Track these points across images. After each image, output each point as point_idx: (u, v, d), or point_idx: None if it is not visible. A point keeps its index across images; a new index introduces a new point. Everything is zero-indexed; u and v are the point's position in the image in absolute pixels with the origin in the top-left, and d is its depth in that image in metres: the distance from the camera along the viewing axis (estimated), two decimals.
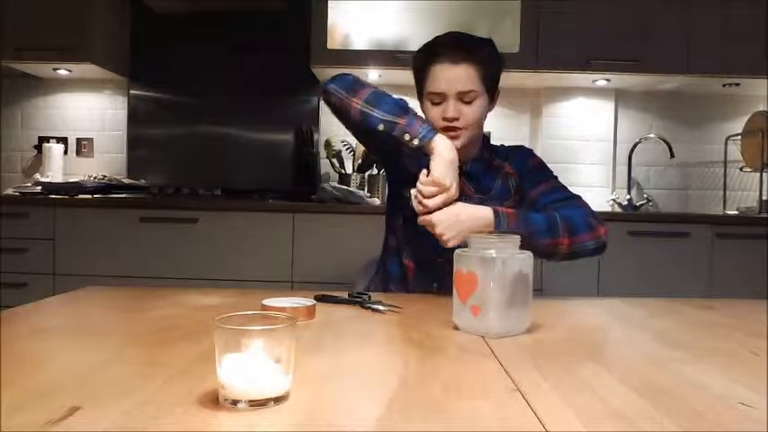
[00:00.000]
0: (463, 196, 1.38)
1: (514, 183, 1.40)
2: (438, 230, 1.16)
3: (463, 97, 1.30)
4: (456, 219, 1.16)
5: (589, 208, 1.33)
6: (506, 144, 1.52)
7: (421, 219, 1.18)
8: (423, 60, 1.35)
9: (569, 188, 1.42)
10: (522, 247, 0.95)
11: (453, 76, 1.29)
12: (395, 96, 1.29)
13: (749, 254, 2.55)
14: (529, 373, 0.71)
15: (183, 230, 2.58)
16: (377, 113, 1.24)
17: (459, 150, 1.38)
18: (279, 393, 0.59)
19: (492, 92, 1.37)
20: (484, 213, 1.20)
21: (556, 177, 1.42)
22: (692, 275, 2.56)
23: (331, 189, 2.71)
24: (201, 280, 2.54)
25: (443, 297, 1.11)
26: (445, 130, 1.32)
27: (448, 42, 1.33)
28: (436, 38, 1.36)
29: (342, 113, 1.30)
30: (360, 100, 1.26)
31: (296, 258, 2.56)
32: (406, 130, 1.21)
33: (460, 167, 1.40)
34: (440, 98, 1.31)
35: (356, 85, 1.29)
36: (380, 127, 1.23)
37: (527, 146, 1.52)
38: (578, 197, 1.36)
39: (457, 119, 1.31)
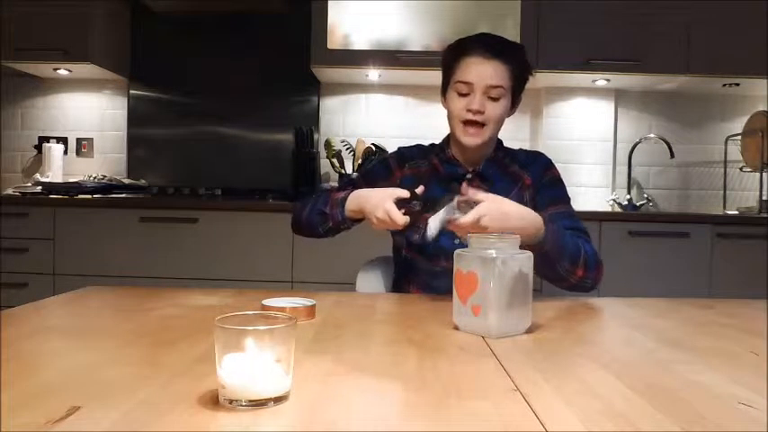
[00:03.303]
0: None
1: (529, 196, 1.39)
2: (483, 222, 1.07)
3: (490, 92, 1.32)
4: (503, 214, 1.09)
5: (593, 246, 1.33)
6: (525, 149, 1.50)
7: (463, 220, 1.09)
8: (455, 53, 1.36)
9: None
10: (541, 265, 0.94)
11: (485, 70, 1.31)
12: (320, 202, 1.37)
13: (749, 254, 2.55)
14: (529, 373, 0.71)
15: (183, 230, 2.58)
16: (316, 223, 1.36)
17: (475, 149, 1.38)
18: (279, 393, 0.59)
19: (515, 97, 1.38)
20: (534, 218, 1.15)
21: (569, 200, 1.42)
22: (692, 275, 2.56)
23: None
24: (201, 280, 2.54)
25: (443, 297, 1.11)
26: (468, 123, 1.33)
27: (484, 39, 1.35)
28: (471, 35, 1.38)
29: (304, 228, 1.43)
30: (305, 214, 1.40)
31: (296, 258, 2.56)
32: (330, 213, 1.31)
33: (474, 169, 1.41)
34: (467, 89, 1.32)
35: (303, 208, 1.43)
36: (321, 229, 1.36)
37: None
38: (586, 231, 1.35)
39: (481, 112, 1.32)
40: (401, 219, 1.14)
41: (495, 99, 1.32)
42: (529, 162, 1.44)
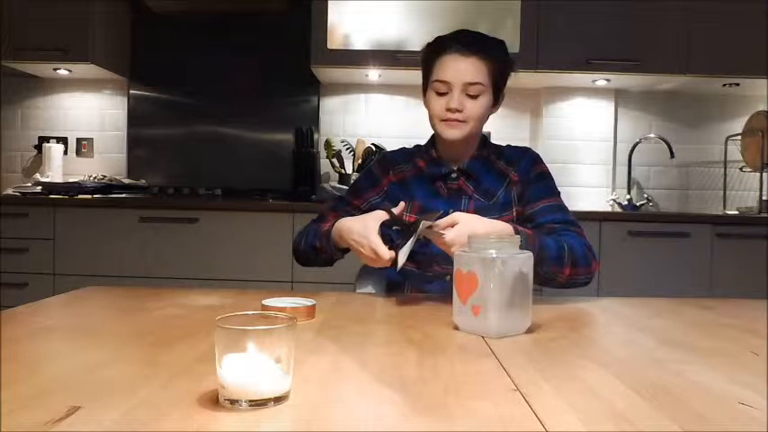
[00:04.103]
0: (464, 196, 1.38)
1: (517, 192, 1.38)
2: (453, 250, 1.09)
3: (469, 90, 1.30)
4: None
5: (586, 238, 1.31)
6: (512, 144, 1.49)
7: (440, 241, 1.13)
8: (433, 51, 1.35)
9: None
10: None
11: (462, 67, 1.30)
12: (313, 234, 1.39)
13: (749, 254, 2.55)
14: (529, 373, 0.71)
15: (183, 230, 2.58)
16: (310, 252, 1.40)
17: (458, 146, 1.38)
18: (279, 393, 0.59)
19: (497, 93, 1.37)
20: (506, 233, 1.16)
21: (558, 194, 1.39)
22: (692, 275, 2.56)
23: (331, 189, 2.72)
24: (201, 280, 2.54)
25: (443, 297, 1.11)
26: (447, 121, 1.32)
27: (460, 36, 1.34)
28: (449, 33, 1.36)
29: (308, 258, 1.43)
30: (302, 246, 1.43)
31: None
32: (320, 246, 1.34)
33: (459, 167, 1.40)
34: (445, 88, 1.31)
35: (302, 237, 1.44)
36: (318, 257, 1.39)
37: (527, 146, 1.49)
38: (577, 223, 1.33)
39: (460, 111, 1.30)
40: (387, 254, 1.15)
41: (473, 96, 1.31)
42: (516, 158, 1.42)
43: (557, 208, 1.35)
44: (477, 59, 1.30)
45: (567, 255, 1.22)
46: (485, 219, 1.17)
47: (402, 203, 1.25)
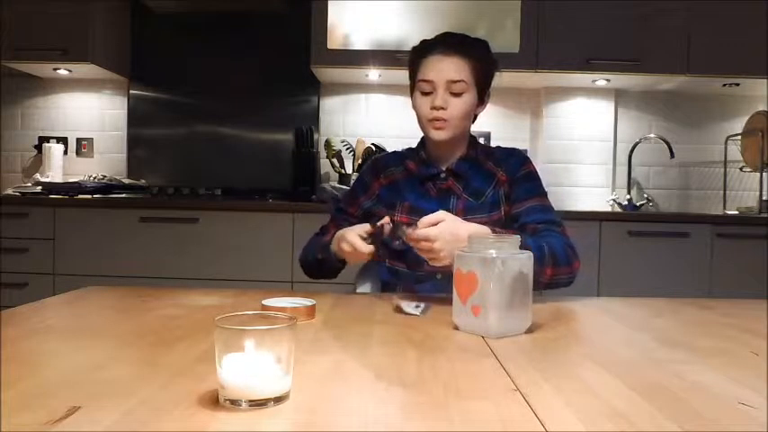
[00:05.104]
0: (452, 195, 1.39)
1: (504, 192, 1.39)
2: (436, 246, 1.11)
3: (452, 88, 1.32)
4: (452, 236, 1.11)
5: (568, 238, 1.31)
6: (503, 145, 1.51)
7: (417, 234, 1.14)
8: (417, 53, 1.39)
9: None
10: None
11: (445, 66, 1.33)
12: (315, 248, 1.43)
13: (749, 254, 2.55)
14: (529, 373, 0.71)
15: (183, 230, 2.58)
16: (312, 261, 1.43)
17: (445, 147, 1.40)
18: (279, 393, 0.59)
19: (483, 92, 1.38)
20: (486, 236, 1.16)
21: (545, 194, 1.40)
22: (692, 275, 2.56)
23: (331, 189, 2.72)
24: (201, 280, 2.54)
25: (443, 297, 1.11)
26: (432, 120, 1.34)
27: (443, 38, 1.37)
28: (433, 36, 1.40)
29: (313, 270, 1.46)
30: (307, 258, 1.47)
31: (296, 258, 2.55)
32: (323, 258, 1.37)
33: (448, 167, 1.41)
34: (429, 87, 1.34)
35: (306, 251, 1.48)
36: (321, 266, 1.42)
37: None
38: (561, 223, 1.34)
39: (444, 108, 1.32)
40: (366, 248, 1.20)
41: (457, 95, 1.33)
42: (504, 158, 1.43)
43: (541, 208, 1.36)
44: (459, 59, 1.33)
45: (547, 255, 1.22)
46: (465, 222, 1.19)
47: (386, 218, 1.26)
